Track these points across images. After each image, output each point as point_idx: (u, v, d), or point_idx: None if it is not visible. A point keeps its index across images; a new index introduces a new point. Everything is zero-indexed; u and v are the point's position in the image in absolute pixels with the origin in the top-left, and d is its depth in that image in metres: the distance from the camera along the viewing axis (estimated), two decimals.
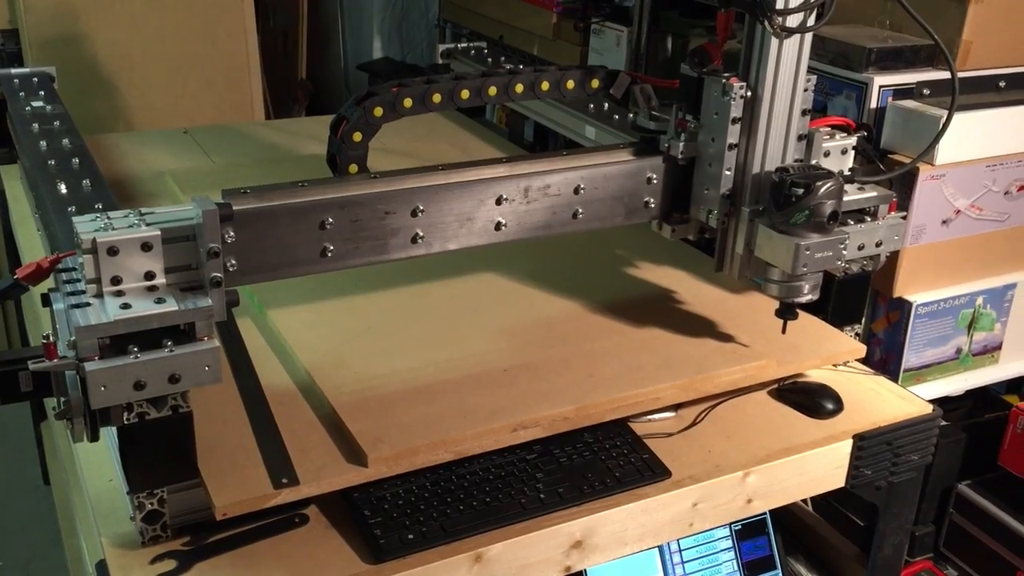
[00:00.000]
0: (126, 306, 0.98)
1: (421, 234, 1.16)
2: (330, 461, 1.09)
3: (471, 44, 2.30)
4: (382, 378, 1.22)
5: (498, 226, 1.20)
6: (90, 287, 1.00)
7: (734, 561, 1.45)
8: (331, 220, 1.10)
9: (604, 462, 1.19)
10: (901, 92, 1.56)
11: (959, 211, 1.58)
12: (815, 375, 1.38)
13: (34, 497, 2.44)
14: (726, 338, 1.35)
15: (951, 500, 1.78)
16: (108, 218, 1.03)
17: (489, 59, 2.20)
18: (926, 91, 1.56)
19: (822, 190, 1.15)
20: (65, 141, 1.60)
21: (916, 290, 1.59)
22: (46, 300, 1.07)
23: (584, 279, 1.50)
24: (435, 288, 1.46)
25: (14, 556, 2.27)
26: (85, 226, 1.01)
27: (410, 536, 1.07)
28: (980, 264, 1.64)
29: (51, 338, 0.96)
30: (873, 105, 1.56)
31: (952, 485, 1.78)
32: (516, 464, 1.18)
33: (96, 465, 1.19)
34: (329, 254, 1.12)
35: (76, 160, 1.51)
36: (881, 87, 1.56)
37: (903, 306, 1.59)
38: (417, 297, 1.44)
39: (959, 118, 1.50)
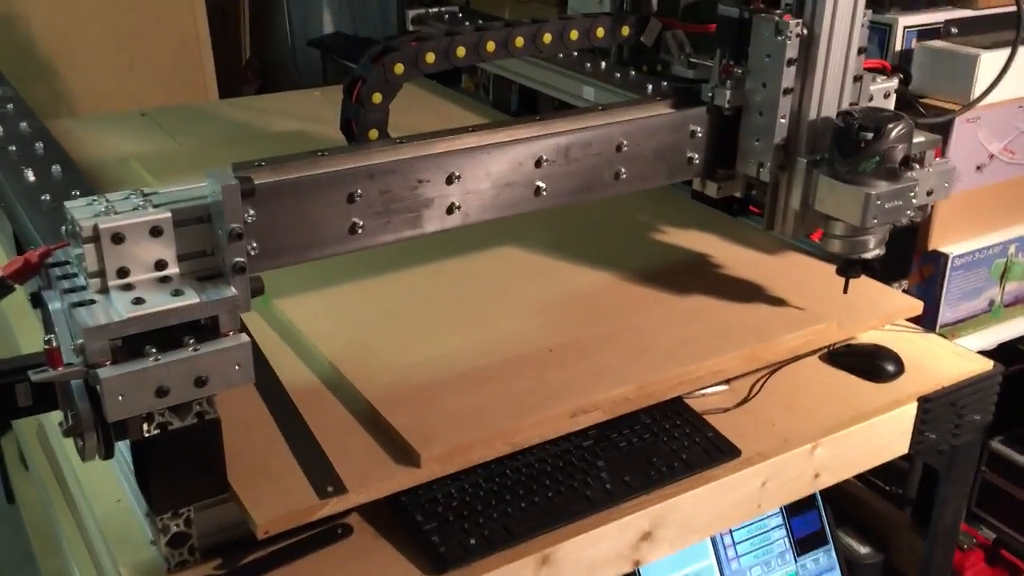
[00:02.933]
0: (139, 301, 0.84)
1: (457, 203, 1.04)
2: (376, 463, 0.97)
3: (443, 8, 2.16)
4: (416, 366, 1.10)
5: (537, 191, 1.08)
6: (93, 282, 0.86)
7: (786, 539, 1.36)
8: (360, 192, 0.97)
9: (667, 444, 1.09)
10: (927, 32, 1.48)
11: (992, 155, 1.50)
12: (863, 336, 1.30)
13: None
14: (777, 302, 1.25)
15: (983, 457, 1.72)
16: (107, 201, 0.89)
17: (467, 24, 2.07)
18: (954, 30, 1.48)
19: (894, 133, 1.05)
20: (23, 125, 1.44)
21: (951, 241, 1.52)
22: (37, 300, 0.93)
23: (609, 247, 1.39)
24: (451, 266, 1.34)
25: None
26: (82, 211, 0.87)
27: (472, 541, 0.95)
28: (1013, 211, 1.57)
29: (54, 343, 0.82)
30: (898, 47, 1.47)
31: (983, 441, 1.72)
32: (573, 452, 1.07)
33: (99, 483, 1.05)
34: (359, 231, 0.99)
35: (40, 144, 1.35)
36: (906, 28, 1.47)
37: (938, 259, 1.52)
38: (433, 277, 1.31)
39: (991, 56, 1.42)
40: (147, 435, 0.87)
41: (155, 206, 0.89)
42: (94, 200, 0.89)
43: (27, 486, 2.08)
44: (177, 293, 0.86)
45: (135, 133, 1.88)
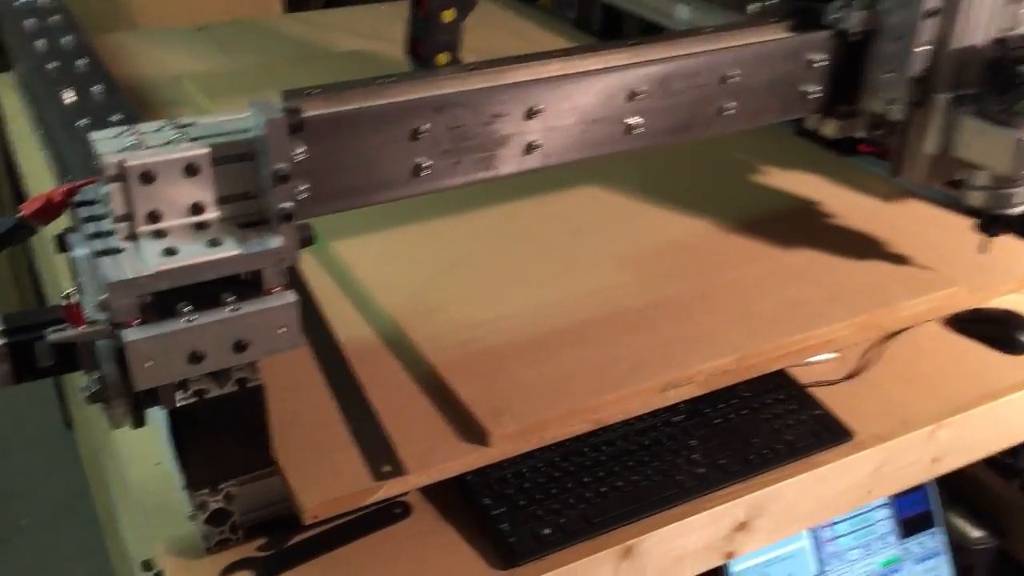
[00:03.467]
0: (171, 252, 0.73)
1: (537, 142, 0.90)
2: (439, 440, 0.85)
3: None
4: (486, 327, 0.97)
5: (629, 129, 0.94)
6: (120, 227, 0.75)
7: (890, 520, 1.23)
8: (426, 127, 0.84)
9: (768, 422, 0.96)
10: None
11: None
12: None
13: (56, 443, 2.23)
14: (899, 259, 1.09)
15: None
16: (138, 133, 0.78)
17: None
18: None
19: None
20: (68, 39, 1.32)
21: None
22: (63, 243, 0.82)
23: (702, 190, 1.24)
24: (526, 208, 1.20)
25: (40, 512, 2.06)
26: (107, 144, 0.75)
27: (546, 531, 0.84)
28: None
29: (73, 298, 0.72)
30: None
31: None
32: (661, 430, 0.94)
33: (137, 443, 0.95)
34: (424, 173, 0.86)
35: (83, 61, 1.24)
36: None
37: None
38: (506, 220, 1.18)
39: None
40: (180, 404, 0.77)
41: (191, 140, 0.76)
42: (123, 131, 0.78)
43: (83, 413, 2.03)
44: (214, 243, 0.74)
45: (191, 50, 1.76)
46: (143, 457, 0.94)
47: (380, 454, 0.83)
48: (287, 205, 0.77)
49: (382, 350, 0.96)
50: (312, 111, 0.79)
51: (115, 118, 1.07)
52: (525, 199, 1.21)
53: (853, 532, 1.20)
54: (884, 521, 1.22)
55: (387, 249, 1.11)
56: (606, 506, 0.86)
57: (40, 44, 1.31)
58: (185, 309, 0.73)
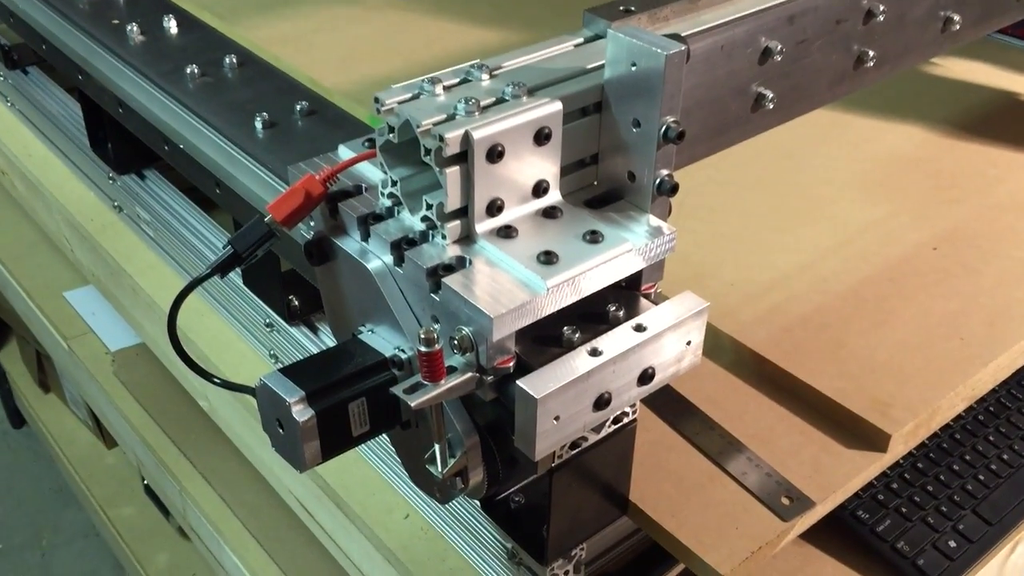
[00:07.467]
0: (549, 258, 0.50)
1: (871, 53, 0.70)
2: (817, 450, 0.66)
3: None
4: (779, 290, 0.78)
5: (946, 25, 0.75)
6: (451, 227, 0.51)
7: None
8: (779, 47, 0.63)
9: None
10: None
11: None
12: None
13: (6, 449, 1.89)
14: None
15: None
16: (445, 87, 0.53)
17: None
18: None
19: None
20: None
21: None
22: (321, 251, 0.57)
23: (880, 94, 1.07)
24: None
25: (16, 532, 1.74)
26: (421, 109, 0.51)
27: (951, 544, 0.68)
28: None
29: (436, 342, 0.48)
30: None
31: None
32: (1002, 392, 0.79)
33: (356, 483, 0.73)
34: (768, 104, 0.65)
35: None
36: None
37: None
38: None
39: None
40: (555, 463, 0.55)
41: (531, 92, 0.53)
42: (421, 87, 0.53)
43: (51, 412, 1.72)
44: (594, 237, 0.52)
45: None
46: (377, 505, 0.71)
47: (763, 481, 0.64)
48: (668, 172, 0.55)
49: None
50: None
51: (230, 59, 0.80)
52: None
53: None
54: None
55: None
56: (999, 500, 0.71)
57: None
58: (576, 337, 0.51)
